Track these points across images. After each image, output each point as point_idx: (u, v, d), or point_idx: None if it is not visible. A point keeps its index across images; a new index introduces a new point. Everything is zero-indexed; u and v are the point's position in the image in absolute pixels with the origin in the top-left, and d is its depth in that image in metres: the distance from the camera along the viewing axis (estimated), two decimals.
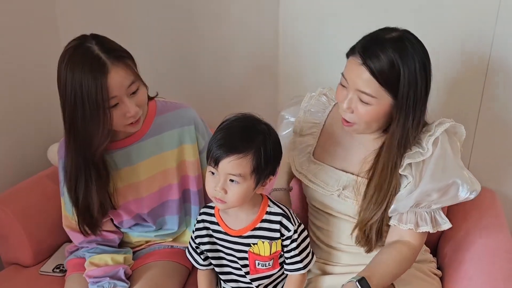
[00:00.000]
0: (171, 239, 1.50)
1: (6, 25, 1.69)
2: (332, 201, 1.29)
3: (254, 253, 1.20)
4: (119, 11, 1.82)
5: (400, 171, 1.19)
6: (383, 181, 1.20)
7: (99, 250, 1.40)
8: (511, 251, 1.31)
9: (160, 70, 1.87)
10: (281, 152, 1.18)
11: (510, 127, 1.60)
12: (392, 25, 1.17)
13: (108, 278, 1.33)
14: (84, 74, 1.13)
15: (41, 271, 1.55)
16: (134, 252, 1.49)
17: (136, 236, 1.49)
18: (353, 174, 1.27)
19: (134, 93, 1.22)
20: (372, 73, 1.10)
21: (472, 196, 1.19)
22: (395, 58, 1.10)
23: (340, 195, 1.27)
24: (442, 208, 1.24)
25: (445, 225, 1.22)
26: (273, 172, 1.17)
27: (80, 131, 1.19)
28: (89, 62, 1.14)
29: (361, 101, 1.14)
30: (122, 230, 1.48)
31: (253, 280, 1.25)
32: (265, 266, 1.22)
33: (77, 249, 1.49)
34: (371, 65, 1.10)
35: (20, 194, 1.61)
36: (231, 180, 1.11)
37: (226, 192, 1.12)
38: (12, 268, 1.59)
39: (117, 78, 1.16)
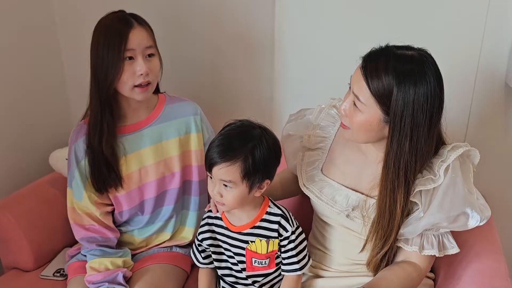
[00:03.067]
0: (168, 237, 1.53)
1: (9, 29, 1.73)
2: (339, 218, 1.27)
3: (251, 250, 1.24)
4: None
5: (410, 197, 1.16)
6: (383, 204, 1.16)
7: (99, 253, 1.43)
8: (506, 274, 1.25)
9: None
10: (276, 156, 1.21)
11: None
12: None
13: (106, 284, 1.36)
14: (112, 27, 1.32)
15: (41, 275, 1.57)
16: (134, 255, 1.52)
17: (138, 235, 1.52)
18: (363, 194, 1.24)
19: (149, 56, 1.35)
20: (367, 82, 1.10)
21: (482, 224, 1.16)
22: (392, 83, 1.07)
23: (349, 215, 1.24)
24: None
25: (453, 249, 1.20)
26: (268, 175, 1.21)
27: (98, 74, 1.33)
28: (118, 19, 1.33)
29: (355, 106, 1.14)
30: (123, 230, 1.52)
31: (249, 276, 1.29)
32: (261, 264, 1.26)
33: (78, 253, 1.52)
34: (368, 75, 1.10)
35: (21, 199, 1.63)
36: (225, 185, 1.17)
37: (221, 195, 1.17)
38: (12, 272, 1.60)
39: (138, 34, 1.32)
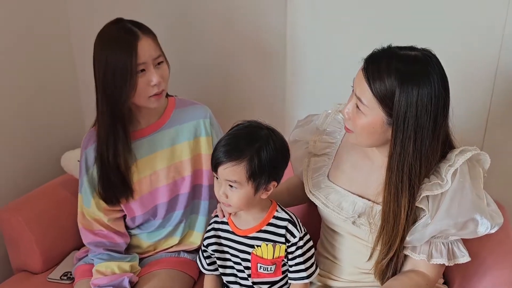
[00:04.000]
0: (177, 242, 1.51)
1: (21, 32, 1.74)
2: (346, 225, 1.24)
3: (257, 255, 1.21)
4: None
5: (416, 203, 1.12)
6: (387, 209, 1.13)
7: (106, 257, 1.42)
8: None
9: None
10: (283, 157, 1.19)
11: None
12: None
13: None
14: (118, 40, 1.28)
15: (48, 278, 1.56)
16: (141, 259, 1.51)
17: (146, 239, 1.50)
18: (369, 200, 1.21)
19: (159, 64, 1.33)
20: (369, 84, 1.08)
21: (493, 231, 1.12)
22: (395, 84, 1.05)
23: (356, 222, 1.21)
24: None
25: (463, 258, 1.16)
26: (275, 177, 1.18)
27: (109, 91, 1.30)
28: (123, 33, 1.29)
29: (358, 108, 1.12)
30: (132, 233, 1.50)
31: (254, 283, 1.26)
32: (267, 270, 1.23)
33: (86, 256, 1.51)
34: (370, 77, 1.08)
35: (32, 201, 1.63)
36: (230, 186, 1.15)
37: (227, 196, 1.16)
38: (21, 274, 1.60)
39: (146, 46, 1.29)
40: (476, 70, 1.50)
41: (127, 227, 1.50)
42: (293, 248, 1.20)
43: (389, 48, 1.11)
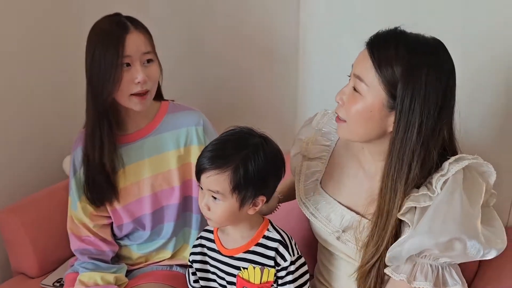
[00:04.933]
0: (169, 256, 1.44)
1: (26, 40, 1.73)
2: (333, 240, 1.16)
3: (243, 278, 1.12)
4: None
5: (398, 214, 1.00)
6: (383, 202, 1.03)
7: (91, 266, 1.37)
8: None
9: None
10: (275, 170, 1.10)
11: None
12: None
13: None
14: (108, 32, 1.24)
15: (42, 284, 1.53)
16: (132, 271, 1.45)
17: (136, 250, 1.44)
18: (358, 213, 1.12)
19: (148, 62, 1.27)
20: (373, 59, 0.99)
21: (490, 256, 0.97)
22: (404, 61, 0.97)
23: (340, 238, 1.13)
24: None
25: (455, 287, 1.00)
26: (263, 192, 1.08)
27: (94, 83, 1.26)
28: (115, 24, 1.26)
29: (355, 90, 1.02)
30: (122, 243, 1.45)
31: None
32: None
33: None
34: (375, 53, 1.00)
35: (32, 204, 1.60)
36: (214, 197, 1.06)
37: (209, 209, 1.07)
38: (18, 278, 1.58)
39: (135, 39, 1.24)
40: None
41: (115, 237, 1.44)
42: (283, 273, 1.10)
43: (396, 28, 1.03)
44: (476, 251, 0.96)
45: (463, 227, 0.95)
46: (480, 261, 1.28)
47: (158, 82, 1.39)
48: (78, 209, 1.38)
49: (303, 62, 1.67)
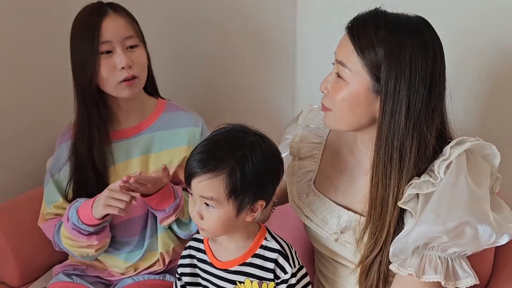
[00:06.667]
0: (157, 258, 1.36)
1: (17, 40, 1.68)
2: (331, 243, 1.09)
3: None
4: None
5: (399, 203, 0.95)
6: (375, 192, 0.98)
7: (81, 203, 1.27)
8: None
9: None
10: (274, 171, 1.01)
11: None
12: None
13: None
14: (85, 19, 1.22)
15: None
16: (121, 280, 1.37)
17: (125, 259, 1.36)
18: (356, 213, 1.06)
19: (131, 48, 1.23)
20: (353, 42, 0.95)
21: (502, 241, 0.93)
22: (386, 42, 0.93)
23: (338, 240, 1.06)
24: None
25: (467, 280, 0.94)
26: (262, 195, 0.99)
27: (77, 73, 1.24)
28: (93, 10, 1.22)
29: (339, 77, 0.98)
30: (111, 253, 1.36)
31: None
32: None
33: (63, 271, 1.39)
34: (355, 35, 0.96)
35: (13, 208, 1.53)
36: (207, 204, 0.96)
37: (202, 217, 0.97)
38: None
39: (113, 23, 1.20)
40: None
41: None
42: (283, 287, 1.01)
43: (376, 9, 0.99)
44: (488, 235, 0.91)
45: (472, 210, 0.90)
46: (494, 260, 1.23)
47: (153, 77, 1.34)
48: (52, 208, 1.32)
49: (300, 60, 1.63)
